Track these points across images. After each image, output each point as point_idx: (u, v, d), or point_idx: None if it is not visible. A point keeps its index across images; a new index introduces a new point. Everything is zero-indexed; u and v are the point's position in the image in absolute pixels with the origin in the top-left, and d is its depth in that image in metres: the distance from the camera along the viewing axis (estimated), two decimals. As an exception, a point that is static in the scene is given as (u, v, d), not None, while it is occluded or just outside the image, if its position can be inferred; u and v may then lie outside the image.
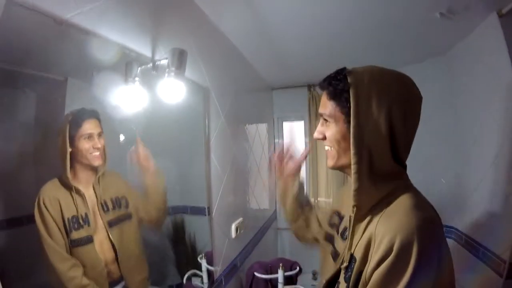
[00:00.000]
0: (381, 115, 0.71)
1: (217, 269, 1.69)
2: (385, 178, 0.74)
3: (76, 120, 0.96)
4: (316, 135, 0.88)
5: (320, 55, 2.34)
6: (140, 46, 1.12)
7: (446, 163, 2.30)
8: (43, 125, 0.93)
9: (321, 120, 0.87)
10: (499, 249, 1.66)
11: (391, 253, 0.63)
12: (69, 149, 0.94)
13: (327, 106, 0.81)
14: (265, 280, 1.88)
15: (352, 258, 0.76)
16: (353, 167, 0.72)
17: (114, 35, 0.99)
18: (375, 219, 0.71)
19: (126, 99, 1.09)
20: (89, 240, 0.97)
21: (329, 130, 0.83)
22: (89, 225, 0.98)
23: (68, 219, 0.92)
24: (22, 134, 0.87)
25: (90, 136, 0.99)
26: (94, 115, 1.02)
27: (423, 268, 0.63)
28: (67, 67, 0.94)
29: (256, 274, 1.88)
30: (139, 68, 1.08)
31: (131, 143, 1.30)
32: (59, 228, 0.89)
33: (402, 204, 0.70)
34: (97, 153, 1.01)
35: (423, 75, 2.42)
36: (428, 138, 2.38)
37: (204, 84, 1.59)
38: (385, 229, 0.67)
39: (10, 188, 0.81)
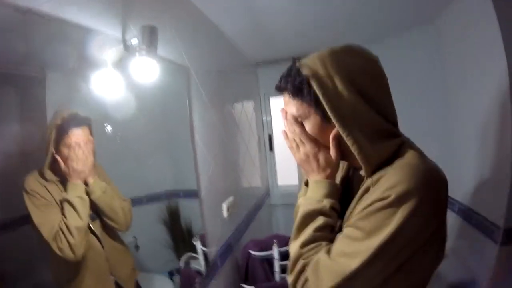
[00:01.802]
0: (349, 89, 0.70)
1: (212, 250, 1.68)
2: (388, 137, 0.73)
3: (64, 126, 0.92)
4: (282, 114, 0.86)
5: (304, 27, 2.27)
6: (111, 28, 1.05)
7: (436, 131, 2.29)
8: (26, 125, 0.91)
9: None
10: (493, 216, 1.67)
11: (387, 198, 0.63)
12: (52, 151, 0.91)
13: (292, 106, 0.80)
14: (261, 257, 1.89)
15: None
16: (353, 148, 0.70)
17: (82, 19, 0.93)
18: (375, 176, 0.71)
19: (101, 84, 1.04)
20: None
21: (306, 127, 0.81)
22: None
23: (60, 200, 0.91)
24: (7, 134, 0.84)
25: (76, 146, 0.95)
26: (85, 122, 0.99)
27: (417, 221, 0.62)
28: (43, 62, 0.91)
29: (251, 252, 1.89)
30: (110, 51, 1.02)
31: (117, 132, 1.28)
32: (54, 206, 0.89)
33: (407, 160, 0.69)
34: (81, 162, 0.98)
35: (411, 44, 2.42)
36: (417, 107, 2.37)
37: (183, 64, 1.53)
38: (387, 179, 0.66)
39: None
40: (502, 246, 1.59)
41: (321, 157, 0.80)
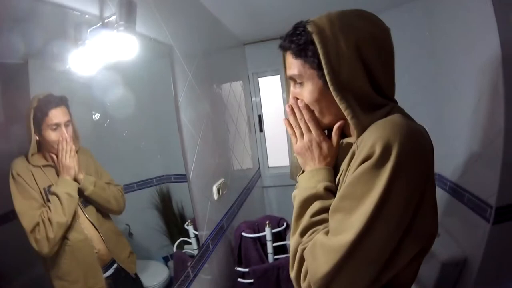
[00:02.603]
0: (352, 55, 0.66)
1: (203, 233, 1.67)
2: (378, 107, 0.70)
3: (41, 108, 0.89)
4: (291, 101, 0.81)
5: (292, 4, 2.20)
6: (87, 5, 0.99)
7: (427, 110, 2.26)
8: (11, 114, 0.87)
9: (292, 84, 0.81)
10: (485, 194, 1.68)
11: (370, 157, 0.59)
12: (35, 137, 0.88)
13: (295, 66, 0.75)
14: (254, 239, 1.89)
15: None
16: (346, 112, 0.67)
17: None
18: (359, 140, 0.67)
19: (79, 65, 0.99)
20: None
21: (304, 91, 0.77)
22: None
23: (44, 188, 0.89)
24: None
25: (56, 127, 0.93)
26: (62, 102, 0.95)
27: (406, 176, 0.58)
28: (23, 47, 0.85)
29: (244, 234, 1.88)
30: (88, 30, 0.96)
31: (105, 118, 1.25)
32: (37, 195, 0.87)
33: (390, 118, 0.65)
34: (69, 155, 0.96)
35: (400, 21, 2.37)
36: (408, 85, 2.35)
37: (166, 41, 1.47)
38: (368, 137, 0.62)
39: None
40: (494, 224, 1.61)
41: (324, 145, 0.78)
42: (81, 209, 1.02)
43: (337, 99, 0.67)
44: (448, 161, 2.04)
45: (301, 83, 0.77)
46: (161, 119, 1.65)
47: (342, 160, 0.75)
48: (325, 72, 0.67)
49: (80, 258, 0.95)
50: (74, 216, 0.94)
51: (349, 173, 0.65)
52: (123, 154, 1.43)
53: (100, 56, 1.00)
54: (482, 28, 1.61)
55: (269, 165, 3.51)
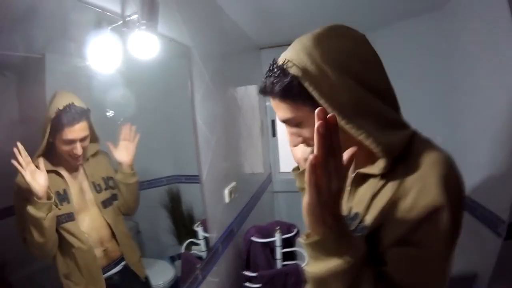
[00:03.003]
0: (344, 80, 0.62)
1: (213, 236, 1.66)
2: (394, 126, 0.66)
3: (58, 122, 0.87)
4: (294, 143, 0.75)
5: (309, 10, 2.20)
6: (109, 2, 0.99)
7: (442, 121, 2.22)
8: (26, 107, 0.87)
9: (287, 128, 0.75)
10: (498, 209, 1.64)
11: (443, 208, 0.57)
12: (45, 142, 0.87)
13: (285, 109, 0.69)
14: (263, 244, 1.87)
15: (356, 215, 0.69)
16: (361, 136, 0.62)
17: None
18: (397, 176, 0.63)
19: (98, 62, 0.99)
20: (70, 217, 0.91)
21: (304, 130, 0.71)
22: (68, 202, 0.92)
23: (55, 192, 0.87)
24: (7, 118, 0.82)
25: (71, 142, 0.91)
26: (82, 116, 0.93)
27: (456, 224, 0.60)
28: (41, 42, 0.86)
29: (253, 238, 1.86)
30: (109, 27, 0.97)
31: (118, 116, 1.25)
32: None
33: (433, 160, 0.62)
34: (77, 156, 0.94)
35: (417, 31, 2.35)
36: (422, 96, 2.33)
37: (185, 43, 1.48)
38: (424, 180, 0.59)
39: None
40: (506, 240, 1.57)
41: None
42: (99, 208, 1.04)
43: (343, 123, 0.62)
44: (462, 173, 1.99)
45: (298, 124, 0.71)
46: (174, 120, 1.65)
47: (354, 192, 0.71)
48: (322, 103, 0.62)
49: (83, 265, 0.94)
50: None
51: (400, 213, 0.60)
52: (135, 153, 1.44)
53: (119, 54, 1.00)
54: (501, 40, 1.58)
55: (280, 170, 3.49)
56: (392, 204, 0.62)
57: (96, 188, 1.05)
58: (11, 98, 0.84)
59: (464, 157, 1.97)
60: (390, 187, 0.63)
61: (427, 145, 0.65)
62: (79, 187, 1.00)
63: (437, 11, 2.19)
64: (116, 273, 1.09)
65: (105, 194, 1.07)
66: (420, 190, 0.59)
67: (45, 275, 0.92)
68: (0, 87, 0.79)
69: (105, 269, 1.05)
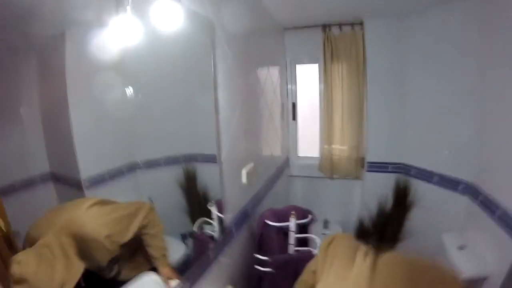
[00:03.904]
0: None
1: (228, 216, 1.65)
2: None
3: None
4: None
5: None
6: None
7: (470, 114, 2.11)
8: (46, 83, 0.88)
9: None
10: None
11: None
12: None
13: None
14: (277, 228, 1.85)
15: None
16: None
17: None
18: None
19: (119, 33, 0.95)
20: None
21: None
22: None
23: None
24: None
25: None
26: None
27: None
28: (60, 16, 0.86)
29: (267, 221, 1.84)
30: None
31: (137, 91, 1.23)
32: None
33: None
34: None
35: (448, 20, 2.21)
36: (449, 86, 2.23)
37: (209, 17, 1.42)
38: None
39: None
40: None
41: None
42: None
43: None
44: (487, 172, 1.92)
45: None
46: (194, 98, 1.63)
47: None
48: None
49: None
50: None
51: None
52: (153, 129, 1.42)
53: (141, 24, 0.96)
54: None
55: (299, 155, 3.44)
56: None
57: None
58: (30, 74, 0.84)
59: (491, 153, 1.91)
60: None
61: None
62: None
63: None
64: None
65: None
66: None
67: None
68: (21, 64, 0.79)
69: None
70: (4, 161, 0.76)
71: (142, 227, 1.10)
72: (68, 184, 1.01)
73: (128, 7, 0.92)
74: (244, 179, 1.84)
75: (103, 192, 1.10)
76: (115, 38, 0.96)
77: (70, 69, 0.92)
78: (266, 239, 1.88)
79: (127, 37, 0.97)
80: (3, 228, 0.68)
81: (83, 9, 0.89)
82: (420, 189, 2.57)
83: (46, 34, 0.84)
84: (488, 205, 1.83)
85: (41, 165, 0.90)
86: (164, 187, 1.50)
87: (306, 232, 1.95)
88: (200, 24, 1.39)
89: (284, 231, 1.89)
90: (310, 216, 1.93)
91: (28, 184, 0.85)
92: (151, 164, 1.39)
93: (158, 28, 0.97)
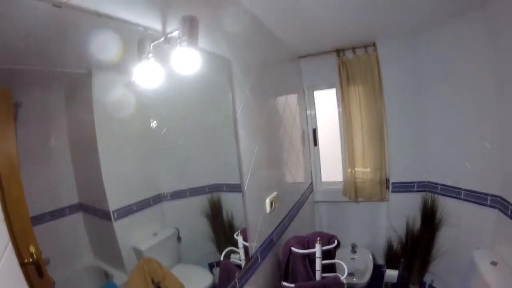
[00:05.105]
0: None
1: (253, 245, 1.66)
2: None
3: None
4: None
5: (347, 18, 2.17)
6: (150, 21, 1.05)
7: (490, 126, 2.08)
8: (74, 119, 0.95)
9: None
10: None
11: None
12: None
13: None
14: (303, 255, 1.84)
15: None
16: None
17: (121, 12, 0.93)
18: None
19: (142, 76, 1.05)
20: None
21: None
22: None
23: None
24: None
25: None
26: None
27: None
28: (87, 58, 0.94)
29: (293, 249, 1.84)
30: (152, 44, 1.02)
31: (162, 126, 1.30)
32: None
33: None
34: None
35: (460, 33, 2.24)
36: (467, 98, 2.22)
37: (225, 56, 1.52)
38: None
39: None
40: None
41: None
42: None
43: None
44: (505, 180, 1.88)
45: None
46: (216, 130, 1.70)
47: None
48: None
49: None
50: None
51: None
52: (177, 162, 1.49)
53: (162, 69, 1.05)
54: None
55: (322, 180, 3.44)
56: None
57: None
58: (59, 111, 0.93)
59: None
60: None
61: None
62: None
63: (478, 11, 2.07)
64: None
65: None
66: None
67: (86, 275, 0.99)
68: (48, 101, 0.87)
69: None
70: (35, 192, 0.82)
71: None
72: (97, 215, 1.08)
73: (150, 55, 1.01)
74: (267, 209, 1.87)
75: (131, 222, 1.17)
76: (138, 80, 1.05)
77: (97, 106, 1.01)
78: (292, 266, 1.87)
79: (149, 79, 1.06)
80: (34, 254, 0.72)
81: (109, 53, 0.97)
82: (448, 206, 2.51)
83: (73, 72, 0.94)
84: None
85: (70, 196, 0.98)
86: (190, 216, 1.55)
87: (332, 257, 1.93)
88: (217, 63, 1.48)
89: (310, 258, 1.88)
90: (335, 242, 1.92)
91: (58, 214, 0.92)
92: (177, 195, 1.45)
93: (178, 72, 1.05)
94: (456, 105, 2.34)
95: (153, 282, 1.15)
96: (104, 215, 1.07)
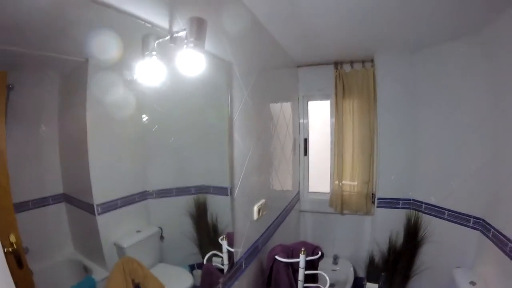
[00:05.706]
0: None
1: (238, 251, 1.65)
2: None
3: None
4: None
5: (348, 32, 2.20)
6: (157, 18, 1.04)
7: (482, 146, 2.12)
8: (67, 108, 0.93)
9: None
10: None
11: None
12: None
13: None
14: (286, 264, 1.83)
15: None
16: None
17: (127, 5, 0.91)
18: None
19: (144, 74, 1.03)
20: None
21: None
22: None
23: None
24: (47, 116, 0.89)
25: None
26: None
27: None
28: (86, 47, 0.92)
29: (277, 257, 1.83)
30: (156, 42, 1.01)
31: (154, 123, 1.28)
32: None
33: None
34: None
35: (456, 55, 2.28)
36: (461, 118, 2.25)
37: (226, 58, 1.51)
38: None
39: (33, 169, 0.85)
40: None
41: None
42: None
43: None
44: (495, 206, 1.91)
45: None
46: (209, 132, 1.68)
47: None
48: None
49: None
50: None
51: None
52: (167, 160, 1.47)
53: (164, 68, 1.04)
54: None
55: (309, 190, 3.44)
56: None
57: None
58: (52, 98, 0.91)
59: (499, 188, 1.90)
60: None
61: None
62: None
63: (474, 36, 2.12)
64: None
65: None
66: None
67: (65, 268, 0.96)
68: (43, 86, 0.85)
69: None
70: (19, 179, 0.80)
71: None
72: (81, 207, 1.05)
73: (153, 52, 1.00)
74: (255, 216, 1.86)
75: (115, 218, 1.14)
76: (139, 76, 1.03)
77: (91, 98, 0.98)
78: (275, 275, 1.85)
79: (150, 77, 1.04)
80: (14, 244, 0.70)
81: (109, 44, 0.96)
82: (431, 224, 2.54)
83: (69, 59, 0.91)
84: (500, 239, 1.79)
85: (54, 185, 0.95)
86: (175, 216, 1.53)
87: (315, 268, 1.92)
88: (218, 65, 1.47)
89: (294, 267, 1.87)
90: (319, 253, 1.91)
91: (40, 202, 0.90)
92: (163, 193, 1.43)
93: (182, 72, 1.04)
94: (447, 124, 2.37)
95: (133, 282, 1.12)
96: (87, 208, 1.05)
